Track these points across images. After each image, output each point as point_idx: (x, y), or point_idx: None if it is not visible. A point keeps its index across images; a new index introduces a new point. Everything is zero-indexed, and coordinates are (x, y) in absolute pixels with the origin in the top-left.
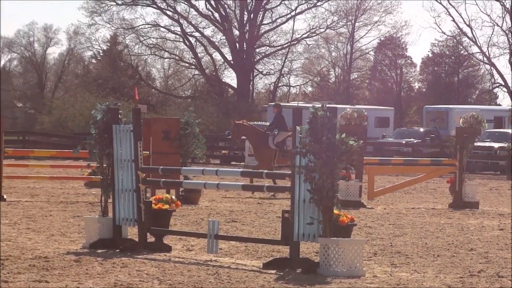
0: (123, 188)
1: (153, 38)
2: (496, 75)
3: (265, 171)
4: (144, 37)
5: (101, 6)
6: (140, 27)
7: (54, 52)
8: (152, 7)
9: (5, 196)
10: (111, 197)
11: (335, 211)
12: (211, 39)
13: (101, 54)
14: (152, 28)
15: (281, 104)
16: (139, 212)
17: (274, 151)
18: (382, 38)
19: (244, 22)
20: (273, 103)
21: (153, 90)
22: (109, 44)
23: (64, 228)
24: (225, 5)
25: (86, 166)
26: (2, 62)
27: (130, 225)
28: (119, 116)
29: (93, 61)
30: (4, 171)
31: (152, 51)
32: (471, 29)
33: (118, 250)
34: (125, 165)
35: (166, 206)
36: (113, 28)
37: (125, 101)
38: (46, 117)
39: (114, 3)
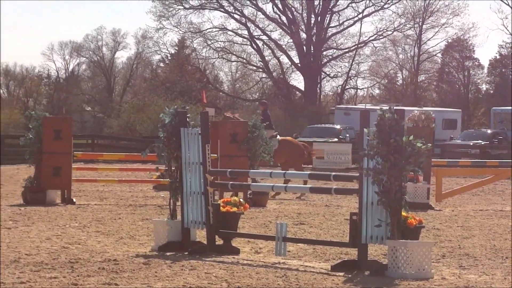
0: (191, 191)
1: (221, 41)
2: None
3: (333, 173)
4: (212, 41)
5: (169, 10)
6: (207, 30)
7: (122, 56)
8: (220, 10)
9: (74, 199)
10: (180, 200)
11: (403, 213)
12: (279, 42)
13: (169, 57)
14: (219, 31)
15: (267, 102)
16: (207, 215)
17: None
18: (449, 40)
19: (311, 25)
20: (339, 106)
21: (220, 93)
22: (177, 48)
23: (133, 231)
24: (292, 8)
25: (155, 169)
26: (71, 66)
27: (198, 228)
28: (187, 119)
29: (161, 64)
30: (74, 174)
31: (219, 54)
32: None
33: (186, 253)
34: (193, 168)
35: (234, 209)
36: (180, 32)
37: (193, 104)
38: (114, 120)
39: (182, 7)
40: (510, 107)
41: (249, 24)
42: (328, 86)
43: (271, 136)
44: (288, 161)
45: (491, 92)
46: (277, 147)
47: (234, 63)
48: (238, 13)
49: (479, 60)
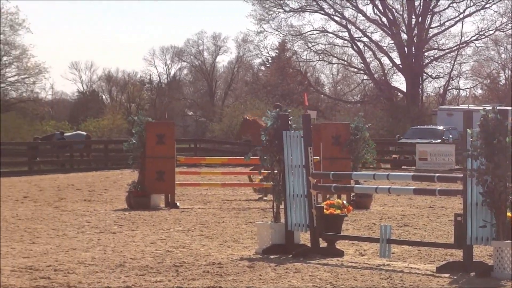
0: (294, 194)
1: (321, 44)
2: None
3: (437, 175)
4: (312, 43)
5: (269, 13)
6: (308, 33)
7: (223, 60)
8: (320, 13)
9: (178, 203)
10: (283, 203)
11: (508, 214)
12: (379, 43)
13: (270, 61)
14: (320, 34)
15: (280, 104)
16: (311, 218)
17: None
18: None
19: (412, 25)
20: (442, 107)
21: (322, 95)
22: (277, 51)
23: (237, 234)
24: (393, 9)
25: (258, 173)
26: (173, 71)
27: (302, 231)
28: (289, 122)
29: (262, 68)
30: (177, 178)
31: (320, 57)
32: None
33: (290, 256)
34: (296, 171)
35: (338, 211)
36: (281, 35)
37: (294, 107)
38: (216, 124)
39: (282, 10)
40: None
41: (349, 26)
42: (430, 87)
43: None
44: None
45: None
46: None
47: (335, 65)
48: (339, 15)
49: None
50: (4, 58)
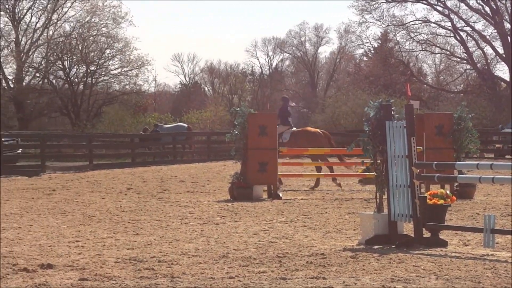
0: (397, 184)
1: (424, 34)
2: None
3: None
4: (415, 33)
5: (371, 4)
6: (410, 23)
7: (325, 51)
8: (422, 2)
9: (281, 195)
10: (386, 193)
11: None
12: (482, 33)
13: (372, 51)
14: (422, 24)
15: (287, 97)
16: (414, 208)
17: None
18: None
19: None
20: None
21: (424, 85)
22: (379, 41)
23: (340, 225)
24: None
25: (360, 163)
26: (275, 62)
27: (405, 221)
28: (392, 112)
29: (364, 58)
30: (280, 169)
31: (423, 47)
32: None
33: (394, 246)
34: (399, 161)
35: (441, 201)
36: (383, 25)
37: (397, 97)
38: (319, 115)
39: (384, 1)
40: None
41: (452, 16)
42: None
43: (283, 131)
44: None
45: None
46: (288, 139)
47: (437, 55)
48: (441, 5)
49: None
50: (107, 51)
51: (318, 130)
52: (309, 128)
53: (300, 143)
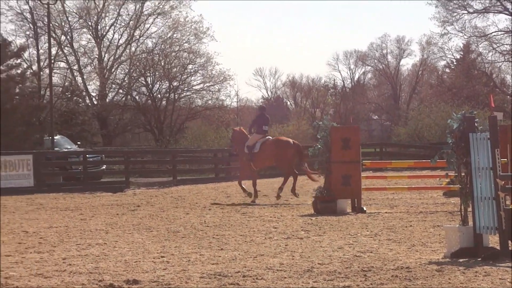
0: (482, 196)
1: (507, 44)
2: None
3: None
4: (497, 44)
5: (453, 15)
6: (492, 34)
7: (407, 63)
8: (504, 13)
9: (365, 208)
10: (471, 206)
11: None
12: None
13: (455, 63)
14: (505, 34)
15: (264, 106)
16: (499, 220)
17: (247, 155)
18: None
19: None
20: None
21: (508, 96)
22: (462, 53)
23: (425, 238)
24: None
25: (444, 176)
26: (357, 75)
27: (490, 233)
28: (475, 124)
29: (447, 70)
30: (363, 183)
31: (505, 57)
32: None
33: (479, 259)
34: (483, 173)
35: None
36: (465, 37)
37: (480, 109)
38: (402, 128)
39: (466, 12)
40: None
41: None
42: None
43: (256, 141)
44: (275, 163)
45: None
46: (258, 149)
47: None
48: None
49: None
50: (189, 66)
51: (290, 140)
52: (281, 138)
53: (268, 152)
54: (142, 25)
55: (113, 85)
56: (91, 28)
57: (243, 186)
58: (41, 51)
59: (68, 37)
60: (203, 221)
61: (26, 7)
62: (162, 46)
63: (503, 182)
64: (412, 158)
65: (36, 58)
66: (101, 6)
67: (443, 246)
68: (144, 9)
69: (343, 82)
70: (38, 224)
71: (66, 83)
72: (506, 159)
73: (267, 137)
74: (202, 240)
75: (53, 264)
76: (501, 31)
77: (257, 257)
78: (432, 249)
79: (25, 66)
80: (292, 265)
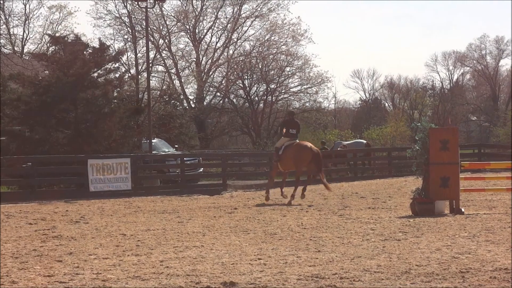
0: None
1: None
2: None
3: None
4: None
5: None
6: None
7: (506, 64)
8: None
9: (463, 209)
10: None
11: None
12: None
13: None
14: None
15: (293, 111)
16: None
17: (275, 156)
18: None
19: None
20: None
21: None
22: None
23: None
24: None
25: None
26: (455, 77)
27: None
28: None
29: None
30: (461, 184)
31: None
32: None
33: None
34: None
35: None
36: None
37: None
38: (500, 129)
39: None
40: None
41: None
42: None
43: (283, 144)
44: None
45: None
46: (282, 151)
47: None
48: None
49: None
50: (287, 69)
51: (310, 146)
52: (302, 142)
53: (289, 155)
54: (239, 27)
55: (211, 88)
56: (188, 31)
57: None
58: (139, 54)
59: (166, 40)
60: (300, 223)
61: (124, 11)
62: (260, 48)
63: None
64: (511, 159)
65: (134, 62)
66: (199, 9)
67: None
68: (241, 12)
69: (442, 83)
70: (136, 227)
71: (164, 87)
72: None
73: (294, 140)
74: (299, 242)
75: (150, 266)
76: None
77: (354, 259)
78: None
79: (123, 70)
80: (389, 266)
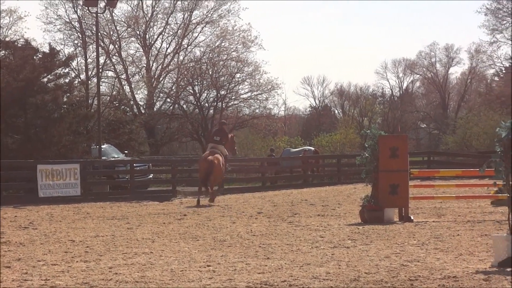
0: None
1: None
2: None
3: None
4: None
5: (502, 23)
6: None
7: (456, 72)
8: None
9: (412, 217)
10: None
11: None
12: None
13: (504, 71)
14: None
15: (224, 121)
16: None
17: None
18: None
19: None
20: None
21: None
22: (511, 61)
23: (472, 247)
24: None
25: (493, 185)
26: (405, 84)
27: None
28: None
29: (496, 78)
30: (411, 191)
31: None
32: None
33: None
34: None
35: None
36: None
37: None
38: (450, 136)
39: None
40: None
41: None
42: None
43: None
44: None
45: None
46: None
47: None
48: None
49: None
50: (237, 75)
51: (206, 156)
52: (207, 152)
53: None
54: (190, 34)
55: (161, 94)
56: (139, 37)
57: None
58: (89, 60)
59: (116, 46)
60: (249, 230)
61: (75, 16)
62: (210, 54)
63: None
64: (460, 167)
65: (84, 67)
66: (149, 15)
67: (491, 255)
68: (192, 18)
69: (391, 91)
70: (85, 233)
71: (114, 92)
72: None
73: (215, 148)
74: (248, 249)
75: (99, 273)
76: None
77: (304, 266)
78: (479, 258)
79: (73, 75)
80: (338, 274)
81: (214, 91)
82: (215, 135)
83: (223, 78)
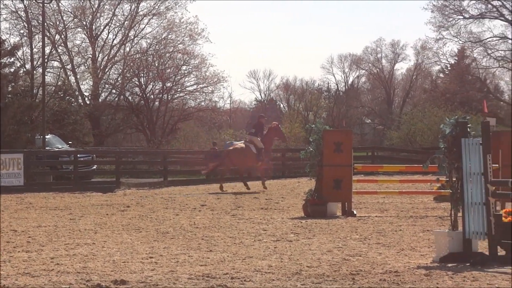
0: (472, 202)
1: (501, 50)
2: None
3: None
4: (492, 50)
5: (449, 20)
6: (488, 40)
7: (401, 68)
8: (500, 19)
9: (355, 212)
10: (461, 211)
11: None
12: None
13: (449, 68)
14: (500, 40)
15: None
16: (489, 226)
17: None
18: None
19: None
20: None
21: (501, 102)
22: (456, 58)
23: (414, 242)
24: None
25: (435, 180)
26: (351, 79)
27: (480, 239)
28: (468, 129)
29: (441, 75)
30: (354, 186)
31: (500, 63)
32: None
33: (468, 264)
34: (475, 178)
35: None
36: (460, 42)
37: (473, 114)
38: (394, 132)
39: (462, 17)
40: None
41: None
42: None
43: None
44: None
45: None
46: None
47: None
48: None
49: None
50: (183, 67)
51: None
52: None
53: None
54: (137, 25)
55: (106, 85)
56: (85, 27)
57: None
58: (34, 50)
59: (62, 36)
60: (192, 223)
61: (21, 5)
62: (157, 46)
63: (494, 188)
64: (403, 163)
65: (29, 57)
66: (96, 5)
67: (432, 251)
68: (139, 10)
69: (337, 86)
70: (27, 223)
71: (59, 83)
72: (497, 165)
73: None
74: (191, 242)
75: (41, 263)
76: (496, 36)
77: (246, 259)
78: (421, 254)
79: (18, 64)
80: (280, 267)
81: (160, 83)
82: (252, 128)
83: (169, 70)
